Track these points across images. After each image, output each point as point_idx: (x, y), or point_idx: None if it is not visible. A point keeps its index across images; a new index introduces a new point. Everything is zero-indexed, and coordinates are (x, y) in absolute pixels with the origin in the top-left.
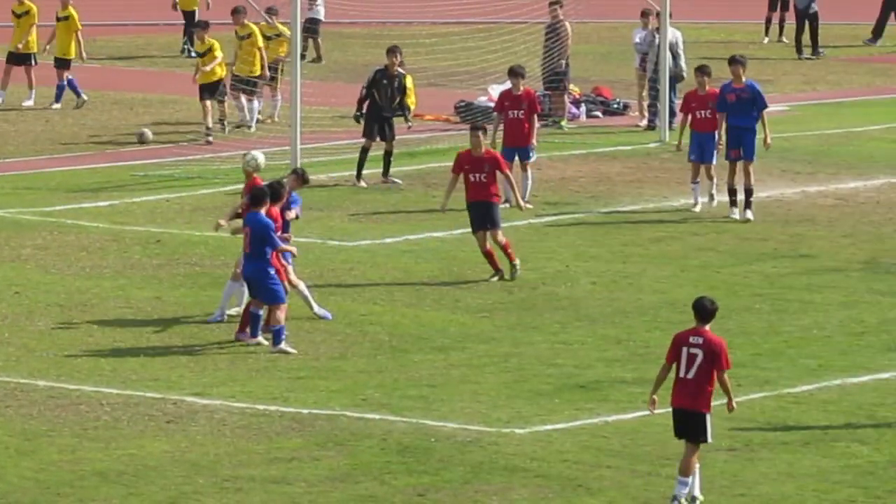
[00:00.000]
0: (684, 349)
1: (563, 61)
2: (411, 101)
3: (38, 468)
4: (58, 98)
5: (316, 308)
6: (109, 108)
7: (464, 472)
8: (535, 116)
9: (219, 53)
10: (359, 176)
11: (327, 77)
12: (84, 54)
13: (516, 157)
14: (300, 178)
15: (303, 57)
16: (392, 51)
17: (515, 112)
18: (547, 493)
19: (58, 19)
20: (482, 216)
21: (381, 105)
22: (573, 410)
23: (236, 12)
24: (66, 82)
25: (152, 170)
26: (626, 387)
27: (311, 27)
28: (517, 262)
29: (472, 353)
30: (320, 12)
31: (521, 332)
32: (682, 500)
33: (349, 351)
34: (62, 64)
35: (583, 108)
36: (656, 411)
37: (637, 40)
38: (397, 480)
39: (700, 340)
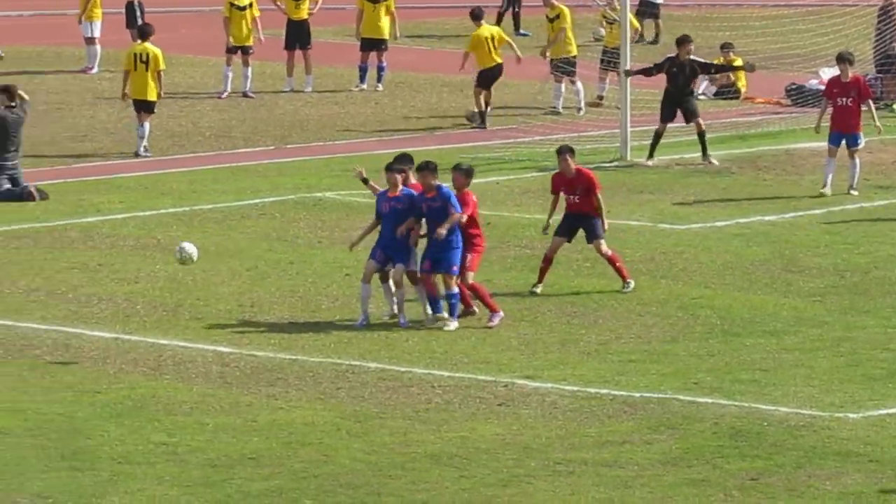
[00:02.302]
0: None
1: None
2: (742, 84)
3: (370, 450)
4: (378, 78)
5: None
6: (439, 91)
7: (797, 457)
8: (869, 102)
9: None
10: (650, 155)
11: (656, 59)
12: (397, 33)
13: (843, 143)
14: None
15: (641, 38)
16: (682, 41)
17: (844, 99)
18: (881, 477)
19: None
20: (576, 226)
21: (672, 92)
22: None
23: None
24: (381, 64)
25: (482, 152)
26: None
27: (650, 10)
28: (630, 282)
29: (804, 337)
30: None
31: (853, 317)
32: None
33: (681, 335)
34: (373, 45)
35: None
36: None
37: None
38: (729, 465)
39: None
